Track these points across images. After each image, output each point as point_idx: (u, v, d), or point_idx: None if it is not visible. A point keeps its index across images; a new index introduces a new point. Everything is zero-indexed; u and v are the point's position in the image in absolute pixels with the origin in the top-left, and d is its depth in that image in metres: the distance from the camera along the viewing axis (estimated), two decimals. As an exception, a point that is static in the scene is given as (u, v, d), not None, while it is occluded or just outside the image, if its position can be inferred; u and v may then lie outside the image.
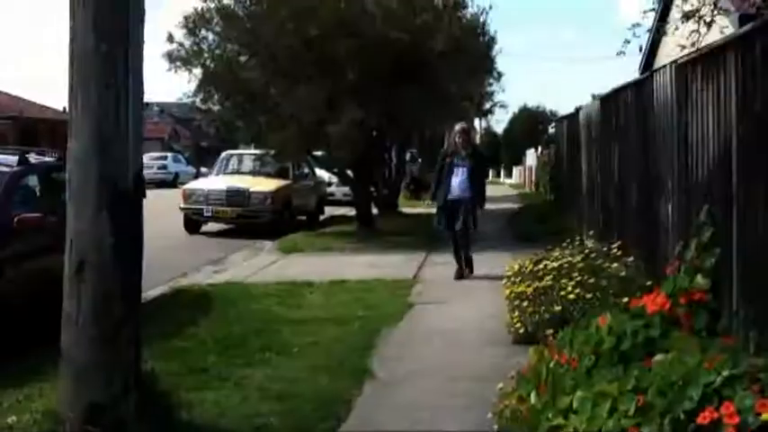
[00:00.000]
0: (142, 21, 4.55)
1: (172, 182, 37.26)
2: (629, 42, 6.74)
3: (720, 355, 3.79)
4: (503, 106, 38.49)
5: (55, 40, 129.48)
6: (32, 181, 7.48)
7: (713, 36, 5.75)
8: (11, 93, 40.79)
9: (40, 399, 4.97)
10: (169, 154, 44.46)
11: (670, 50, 8.53)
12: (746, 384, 3.49)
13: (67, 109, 4.55)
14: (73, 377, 4.39)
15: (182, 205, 16.70)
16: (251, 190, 16.64)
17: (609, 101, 9.34)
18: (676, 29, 6.38)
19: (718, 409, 3.40)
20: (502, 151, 50.46)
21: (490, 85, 23.08)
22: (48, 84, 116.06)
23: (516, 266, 8.22)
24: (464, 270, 10.22)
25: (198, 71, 15.48)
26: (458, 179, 9.98)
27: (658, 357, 4.08)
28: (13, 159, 7.40)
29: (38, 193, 7.50)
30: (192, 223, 16.77)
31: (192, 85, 15.77)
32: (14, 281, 6.58)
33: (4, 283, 6.49)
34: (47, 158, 8.25)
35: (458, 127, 10.48)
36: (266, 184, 17.05)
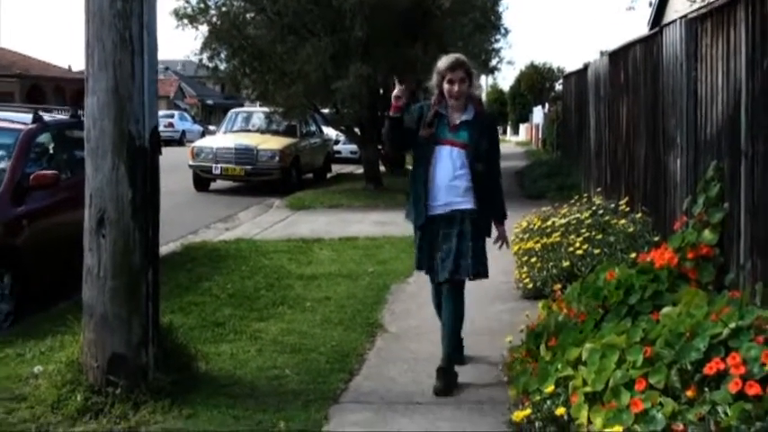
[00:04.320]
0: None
1: (179, 140, 37.31)
2: (639, -4, 6.71)
3: (727, 308, 3.88)
4: (510, 63, 38.20)
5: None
6: (47, 139, 7.55)
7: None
8: (17, 50, 40.71)
9: (62, 350, 5.08)
10: (176, 112, 44.40)
11: (679, 6, 8.52)
12: (752, 336, 3.58)
13: (84, 66, 4.62)
14: (95, 329, 4.51)
15: (190, 163, 16.79)
16: (259, 148, 16.71)
17: (618, 56, 9.32)
18: (687, -16, 6.37)
19: (724, 360, 3.49)
20: (509, 108, 50.26)
21: (497, 41, 22.95)
22: (53, 41, 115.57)
23: (524, 223, 8.32)
24: (453, 368, 4.93)
25: (204, 28, 15.49)
26: (446, 170, 4.88)
27: (666, 310, 4.17)
28: (28, 117, 7.46)
29: (52, 151, 7.57)
30: (201, 181, 16.87)
31: (199, 43, 15.82)
32: (32, 237, 6.69)
33: (21, 239, 6.60)
34: (60, 116, 8.31)
35: (444, 64, 4.93)
36: (274, 142, 17.11)
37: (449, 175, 4.87)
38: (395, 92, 4.81)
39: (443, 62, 4.95)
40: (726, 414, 3.16)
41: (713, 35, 5.37)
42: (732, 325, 3.64)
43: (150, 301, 4.56)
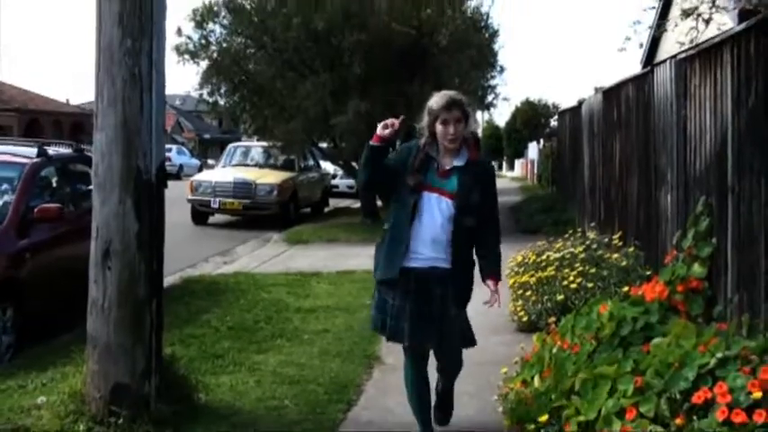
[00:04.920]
0: (164, 15, 4.75)
1: (176, 174, 37.42)
2: (629, 39, 6.90)
3: (715, 339, 3.99)
4: (505, 99, 38.61)
5: (61, 33, 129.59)
6: (51, 172, 7.70)
7: (711, 32, 5.93)
8: (15, 84, 41.04)
9: (64, 381, 5.15)
10: (173, 146, 44.63)
11: (670, 47, 8.72)
12: (739, 366, 3.70)
13: (84, 100, 4.79)
14: (98, 359, 4.60)
15: (189, 197, 16.94)
16: (257, 182, 16.87)
17: (611, 94, 9.51)
18: (676, 26, 6.55)
19: (711, 389, 3.60)
20: (504, 144, 50.61)
21: (493, 78, 23.28)
22: (52, 76, 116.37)
23: (519, 258, 8.42)
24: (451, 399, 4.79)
25: (205, 64, 15.75)
26: (432, 222, 4.28)
27: (656, 341, 4.28)
28: (32, 151, 7.62)
29: (56, 185, 7.72)
30: (200, 214, 17.01)
31: (198, 78, 16.08)
32: (34, 270, 6.79)
33: (24, 272, 6.70)
34: (63, 150, 8.47)
35: (437, 103, 4.30)
36: (272, 177, 17.28)
37: (435, 228, 4.25)
38: (386, 120, 4.23)
39: (437, 100, 4.29)
40: (711, 440, 3.27)
41: (701, 75, 5.54)
42: (719, 355, 3.76)
43: (154, 332, 4.66)
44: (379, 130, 4.25)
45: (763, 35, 4.41)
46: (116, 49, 4.55)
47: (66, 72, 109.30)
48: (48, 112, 39.61)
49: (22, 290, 6.62)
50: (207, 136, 66.80)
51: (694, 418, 3.55)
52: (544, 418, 4.12)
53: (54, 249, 7.12)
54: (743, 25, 4.74)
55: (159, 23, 4.67)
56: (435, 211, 4.26)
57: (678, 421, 3.58)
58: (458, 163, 4.32)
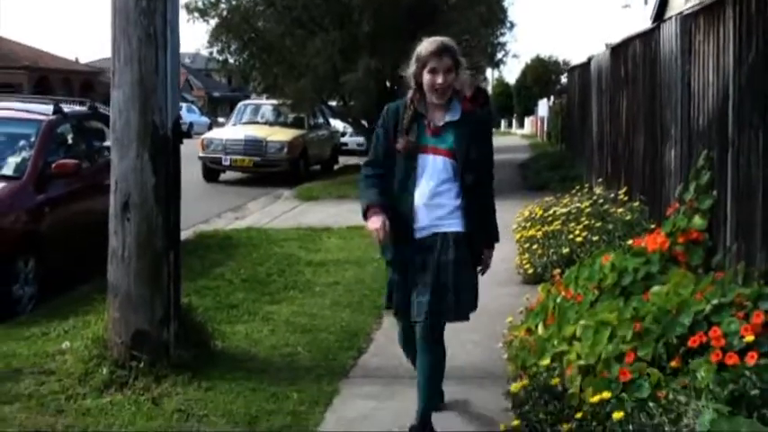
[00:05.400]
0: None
1: (186, 132, 37.52)
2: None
3: (711, 287, 4.15)
4: (515, 56, 38.46)
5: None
6: (67, 129, 7.86)
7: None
8: (25, 42, 41.03)
9: (86, 329, 5.37)
10: (183, 104, 44.70)
11: (680, 4, 8.75)
12: (733, 311, 3.86)
13: (102, 59, 4.93)
14: (119, 307, 4.81)
15: (200, 154, 17.10)
16: (268, 139, 17.01)
17: (619, 51, 9.56)
18: (683, -18, 6.62)
19: (707, 334, 3.77)
20: (514, 101, 50.45)
21: (502, 35, 23.18)
22: (61, 34, 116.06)
23: (527, 213, 8.59)
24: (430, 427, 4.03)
25: (215, 22, 15.81)
26: (427, 185, 3.92)
27: (655, 289, 4.44)
28: (49, 108, 7.76)
29: (71, 141, 7.88)
30: (211, 172, 17.20)
31: (207, 37, 16.16)
32: (53, 223, 6.98)
33: (44, 225, 6.90)
34: (77, 107, 8.61)
35: (426, 49, 3.97)
36: (283, 134, 17.41)
37: (430, 191, 3.88)
38: (377, 228, 3.80)
39: (426, 46, 3.92)
40: (701, 377, 3.44)
41: (705, 32, 5.62)
42: (715, 302, 3.91)
43: (172, 282, 4.86)
44: (370, 225, 3.86)
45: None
46: (132, 10, 4.69)
47: (76, 31, 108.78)
48: (57, 70, 39.63)
49: (42, 242, 6.82)
50: (216, 94, 66.78)
51: (689, 360, 3.71)
52: (546, 362, 4.30)
53: (71, 204, 7.31)
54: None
55: (173, -17, 4.79)
56: (431, 173, 3.89)
57: (674, 364, 3.75)
58: (451, 118, 3.94)
